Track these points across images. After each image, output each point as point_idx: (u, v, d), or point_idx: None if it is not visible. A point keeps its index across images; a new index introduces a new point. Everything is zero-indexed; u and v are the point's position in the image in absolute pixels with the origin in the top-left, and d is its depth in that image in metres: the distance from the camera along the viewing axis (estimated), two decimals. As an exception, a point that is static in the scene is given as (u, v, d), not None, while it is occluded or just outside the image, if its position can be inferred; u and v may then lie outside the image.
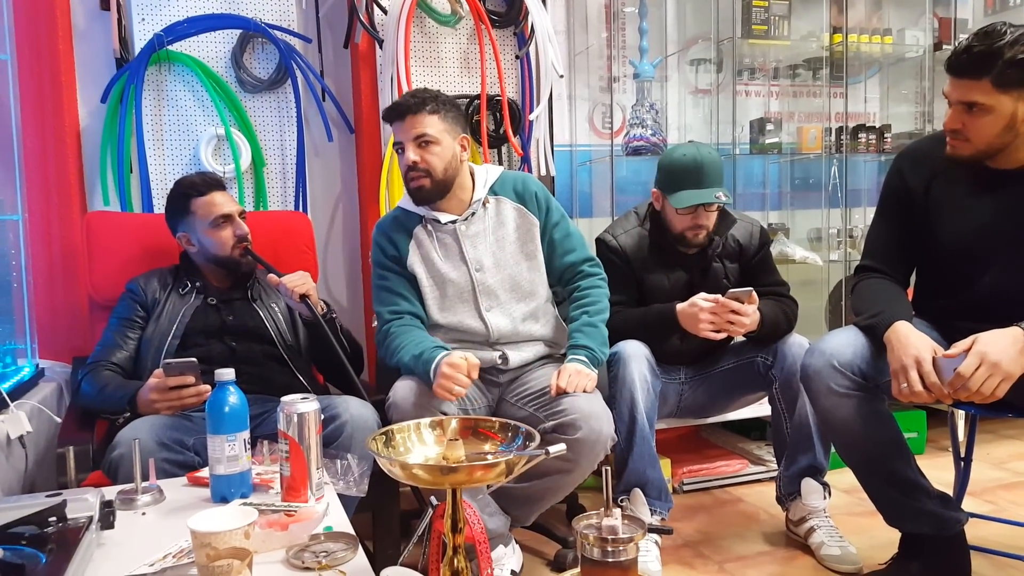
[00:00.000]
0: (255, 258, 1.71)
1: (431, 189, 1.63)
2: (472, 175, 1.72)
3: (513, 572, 1.61)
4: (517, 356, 1.69)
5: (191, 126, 2.11)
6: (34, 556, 0.89)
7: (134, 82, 2.02)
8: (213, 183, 1.72)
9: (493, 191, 1.72)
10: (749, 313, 1.74)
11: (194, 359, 1.43)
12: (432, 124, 1.60)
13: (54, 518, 0.97)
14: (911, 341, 1.36)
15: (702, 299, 1.75)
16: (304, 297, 1.62)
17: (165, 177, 2.09)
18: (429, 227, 1.69)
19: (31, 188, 1.95)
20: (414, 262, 1.68)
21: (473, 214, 1.69)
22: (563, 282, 1.77)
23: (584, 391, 1.54)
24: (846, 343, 1.49)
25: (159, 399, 1.41)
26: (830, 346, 1.50)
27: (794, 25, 2.64)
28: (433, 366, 1.50)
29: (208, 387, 1.41)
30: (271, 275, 1.66)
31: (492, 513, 1.59)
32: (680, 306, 1.80)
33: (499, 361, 1.68)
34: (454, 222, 1.68)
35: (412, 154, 1.60)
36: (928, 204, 1.54)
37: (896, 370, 1.37)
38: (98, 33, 2.13)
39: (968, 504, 1.73)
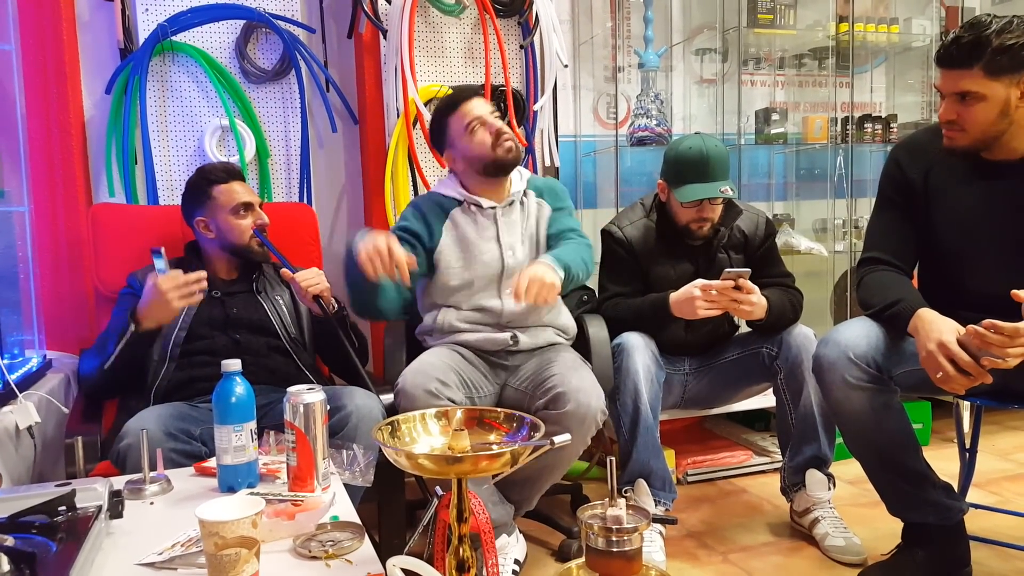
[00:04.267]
0: (272, 250, 1.71)
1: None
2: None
3: (517, 561, 1.62)
4: (527, 339, 1.72)
5: (195, 117, 2.11)
6: (44, 544, 0.90)
7: (138, 73, 2.02)
8: (235, 173, 1.74)
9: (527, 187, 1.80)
10: (754, 291, 1.74)
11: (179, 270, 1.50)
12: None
13: (64, 507, 0.98)
14: (935, 326, 1.35)
15: (696, 285, 1.75)
16: (317, 297, 1.63)
17: (170, 168, 2.09)
18: (472, 209, 1.73)
19: (36, 180, 1.95)
20: (447, 243, 1.71)
21: (512, 203, 1.75)
22: (548, 246, 1.75)
23: (543, 301, 1.48)
24: (861, 334, 1.48)
25: (169, 289, 1.46)
26: (845, 337, 1.49)
27: (800, 14, 2.62)
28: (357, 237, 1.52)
29: (204, 273, 1.48)
30: (285, 269, 1.66)
31: (496, 502, 1.60)
32: (674, 295, 1.80)
33: (510, 342, 1.70)
34: (494, 207, 1.73)
35: (493, 122, 1.68)
36: (927, 194, 1.54)
37: (924, 359, 1.36)
38: (102, 23, 2.13)
39: (973, 495, 1.73)
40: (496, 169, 1.69)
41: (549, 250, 1.70)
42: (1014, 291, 1.30)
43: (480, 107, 1.70)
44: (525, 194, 1.78)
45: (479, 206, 1.73)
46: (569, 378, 1.53)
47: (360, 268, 1.47)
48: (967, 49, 1.35)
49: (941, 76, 1.41)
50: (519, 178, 1.78)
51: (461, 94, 1.73)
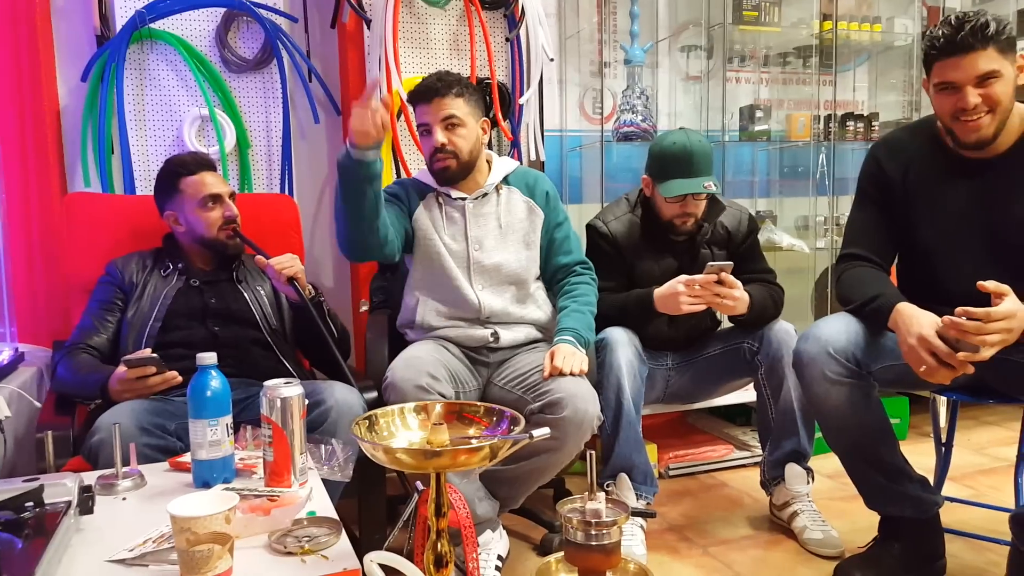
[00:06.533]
0: (243, 240, 1.69)
1: (456, 170, 1.68)
2: (489, 162, 1.76)
3: (500, 557, 1.61)
4: (509, 335, 1.71)
5: (174, 106, 2.07)
6: (10, 541, 0.88)
7: (115, 60, 1.98)
8: (203, 163, 1.70)
9: (506, 181, 1.77)
10: (736, 285, 1.74)
11: (154, 354, 1.44)
12: (459, 106, 1.64)
13: (31, 503, 0.96)
14: (915, 320, 1.36)
15: (679, 281, 1.76)
16: (292, 280, 1.61)
17: (147, 158, 2.06)
18: (440, 200, 1.72)
19: (9, 169, 1.91)
20: (421, 219, 1.71)
21: (484, 195, 1.73)
22: (554, 280, 1.80)
23: (579, 372, 1.54)
24: (841, 330, 1.49)
25: (123, 389, 1.42)
26: (824, 332, 1.50)
27: (784, 12, 2.63)
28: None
29: (174, 373, 1.41)
30: (259, 257, 1.64)
31: (481, 498, 1.60)
32: (658, 291, 1.80)
33: (491, 339, 1.70)
34: (464, 199, 1.71)
35: (440, 136, 1.64)
36: (906, 192, 1.55)
37: (906, 353, 1.36)
38: (78, 9, 2.08)
39: (948, 489, 1.76)
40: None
41: (560, 299, 1.74)
42: (980, 283, 1.31)
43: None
44: (502, 185, 1.75)
45: (449, 196, 1.71)
46: (566, 383, 1.52)
47: (353, 179, 1.48)
48: (977, 30, 1.35)
49: (951, 67, 1.38)
50: (498, 170, 1.75)
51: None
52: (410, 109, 2.05)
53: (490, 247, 1.71)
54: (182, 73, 2.06)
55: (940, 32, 1.39)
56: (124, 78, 2.00)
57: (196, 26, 2.08)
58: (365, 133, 1.42)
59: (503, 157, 1.82)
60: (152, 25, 2.01)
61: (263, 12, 2.11)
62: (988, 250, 1.47)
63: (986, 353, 1.28)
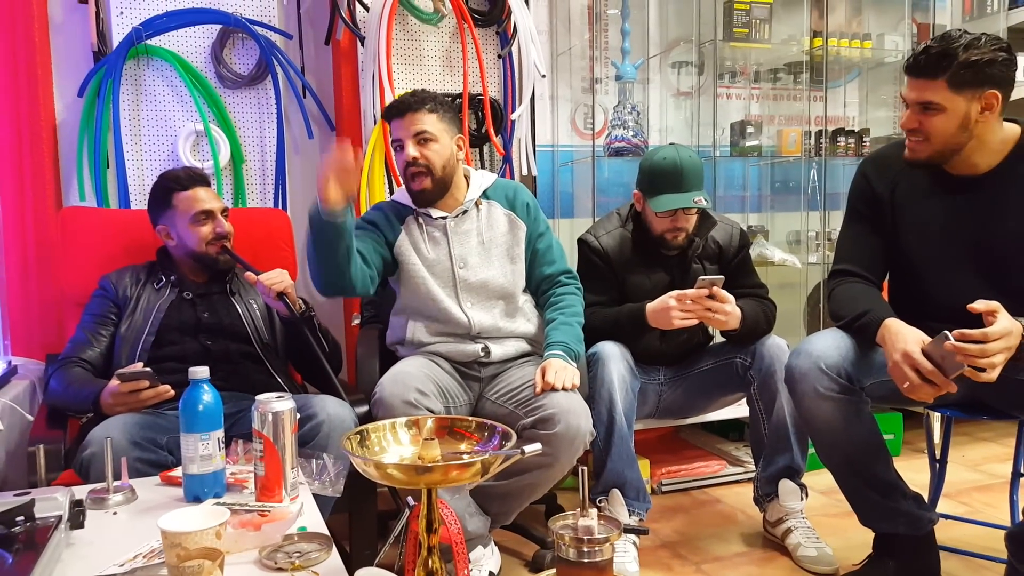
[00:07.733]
0: (233, 257, 1.70)
1: (432, 189, 1.67)
2: (467, 177, 1.76)
3: (491, 573, 1.61)
4: (499, 350, 1.71)
5: (169, 121, 2.09)
6: (0, 556, 0.87)
7: (112, 76, 1.99)
8: (197, 178, 1.71)
9: (486, 195, 1.77)
10: (728, 300, 1.75)
11: (148, 368, 1.45)
12: (431, 122, 1.65)
13: (22, 517, 0.95)
14: (901, 336, 1.37)
15: (671, 296, 1.77)
16: (281, 295, 1.61)
17: (142, 173, 2.07)
18: (420, 220, 1.72)
19: (5, 182, 1.92)
20: (403, 245, 1.71)
21: (465, 212, 1.73)
22: (540, 291, 1.80)
23: (571, 387, 1.55)
24: (832, 345, 1.50)
25: (116, 403, 1.42)
26: (816, 348, 1.50)
27: (775, 29, 2.66)
28: None
29: (167, 387, 1.42)
30: (248, 273, 1.65)
31: (472, 514, 1.59)
32: (650, 305, 1.81)
33: (481, 354, 1.70)
34: (444, 218, 1.71)
35: (412, 150, 1.64)
36: (894, 207, 1.57)
37: (891, 369, 1.37)
38: (75, 26, 2.10)
39: (943, 506, 1.75)
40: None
41: (547, 311, 1.74)
42: (969, 305, 1.32)
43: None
44: (482, 200, 1.75)
45: (429, 216, 1.71)
46: (559, 398, 1.52)
47: (323, 234, 1.49)
48: (934, 60, 1.38)
49: (908, 84, 1.44)
50: (476, 185, 1.75)
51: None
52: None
53: (474, 264, 1.71)
54: (178, 89, 2.08)
55: (918, 48, 1.43)
56: (120, 94, 2.02)
57: (192, 43, 2.10)
58: (333, 194, 1.43)
59: (480, 171, 1.82)
60: (148, 41, 2.03)
61: (258, 29, 2.13)
62: (976, 266, 1.49)
63: (993, 374, 1.27)
